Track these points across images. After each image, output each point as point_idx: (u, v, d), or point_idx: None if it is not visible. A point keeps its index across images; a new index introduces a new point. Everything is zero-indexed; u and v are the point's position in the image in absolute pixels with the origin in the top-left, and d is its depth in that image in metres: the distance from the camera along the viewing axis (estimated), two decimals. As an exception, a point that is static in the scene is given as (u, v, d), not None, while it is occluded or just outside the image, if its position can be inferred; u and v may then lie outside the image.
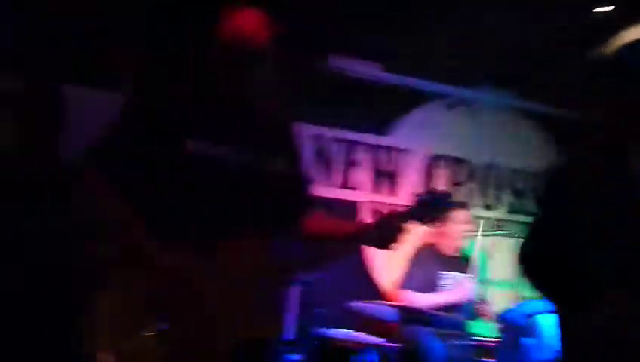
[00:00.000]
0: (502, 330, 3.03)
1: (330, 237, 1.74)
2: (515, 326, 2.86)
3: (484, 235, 4.09)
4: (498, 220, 4.36)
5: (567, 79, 3.88)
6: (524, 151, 4.25)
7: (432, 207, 1.76)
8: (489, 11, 3.45)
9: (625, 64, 1.65)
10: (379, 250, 1.72)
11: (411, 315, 3.00)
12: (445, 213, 3.36)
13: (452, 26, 3.59)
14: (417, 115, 4.29)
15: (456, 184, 4.35)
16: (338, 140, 4.08)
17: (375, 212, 4.03)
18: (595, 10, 3.36)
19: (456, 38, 3.70)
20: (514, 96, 4.40)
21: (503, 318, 3.02)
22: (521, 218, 4.31)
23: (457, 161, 4.36)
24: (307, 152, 3.86)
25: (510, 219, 4.32)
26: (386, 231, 1.67)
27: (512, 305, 3.33)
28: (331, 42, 3.87)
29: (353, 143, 4.12)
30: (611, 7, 3.31)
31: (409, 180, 4.16)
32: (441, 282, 3.48)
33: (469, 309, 3.32)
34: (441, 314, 3.07)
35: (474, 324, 3.29)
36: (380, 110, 4.15)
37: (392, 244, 1.67)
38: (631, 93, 1.55)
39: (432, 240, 3.71)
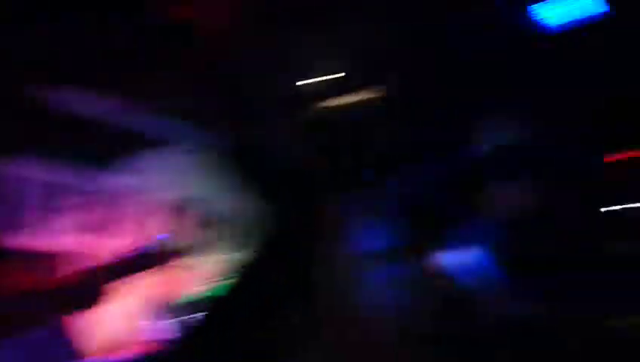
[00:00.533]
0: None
1: (26, 295, 1.47)
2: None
3: (217, 280, 4.09)
4: (233, 263, 4.40)
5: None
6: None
7: (149, 257, 1.66)
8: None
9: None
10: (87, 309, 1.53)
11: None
12: (167, 261, 3.31)
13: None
14: (149, 156, 4.15)
15: (190, 228, 4.28)
16: (46, 180, 3.69)
17: (85, 262, 3.68)
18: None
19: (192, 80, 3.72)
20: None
21: None
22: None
23: (192, 204, 4.30)
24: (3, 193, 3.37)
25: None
26: (90, 289, 1.49)
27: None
28: (52, 69, 3.52)
29: (64, 184, 3.76)
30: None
31: (133, 225, 3.93)
32: (165, 330, 3.36)
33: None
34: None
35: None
36: (103, 148, 3.90)
37: (97, 303, 1.50)
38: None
39: (156, 289, 3.56)
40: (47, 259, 3.60)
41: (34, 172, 3.67)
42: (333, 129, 2.35)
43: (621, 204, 2.86)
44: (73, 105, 3.72)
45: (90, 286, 1.62)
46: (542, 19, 3.22)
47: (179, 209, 4.26)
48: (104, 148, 3.90)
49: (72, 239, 3.72)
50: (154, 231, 4.05)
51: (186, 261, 3.55)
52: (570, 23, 3.24)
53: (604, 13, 3.19)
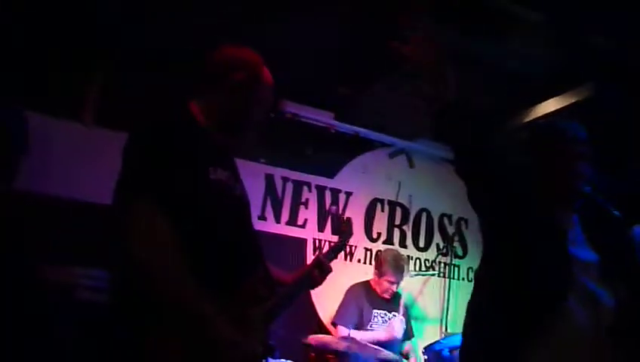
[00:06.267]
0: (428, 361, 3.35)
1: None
2: (440, 358, 3.19)
3: (416, 274, 4.44)
4: (428, 261, 4.71)
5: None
6: (453, 198, 4.64)
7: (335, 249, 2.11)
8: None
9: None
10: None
11: (354, 347, 3.17)
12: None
13: (396, 81, 3.93)
14: (361, 161, 4.63)
15: (394, 226, 4.68)
16: (289, 180, 4.34)
17: (319, 249, 4.30)
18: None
19: (400, 93, 4.05)
20: (447, 150, 4.80)
21: (430, 350, 3.33)
22: (449, 260, 4.70)
23: (395, 205, 4.72)
24: (259, 190, 4.10)
25: (439, 260, 4.70)
26: (317, 272, 1.95)
27: (438, 339, 3.64)
28: (288, 89, 4.13)
29: (302, 184, 4.39)
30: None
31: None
32: (373, 319, 3.71)
33: (398, 348, 3.60)
34: (381, 348, 3.27)
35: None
36: (328, 154, 4.46)
37: (321, 282, 1.96)
38: None
39: (367, 278, 3.96)
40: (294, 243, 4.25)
41: (284, 173, 4.27)
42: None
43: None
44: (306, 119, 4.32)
45: (321, 267, 2.08)
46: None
47: (378, 207, 4.64)
48: (330, 154, 4.40)
49: (310, 228, 4.30)
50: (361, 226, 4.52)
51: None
52: None
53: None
